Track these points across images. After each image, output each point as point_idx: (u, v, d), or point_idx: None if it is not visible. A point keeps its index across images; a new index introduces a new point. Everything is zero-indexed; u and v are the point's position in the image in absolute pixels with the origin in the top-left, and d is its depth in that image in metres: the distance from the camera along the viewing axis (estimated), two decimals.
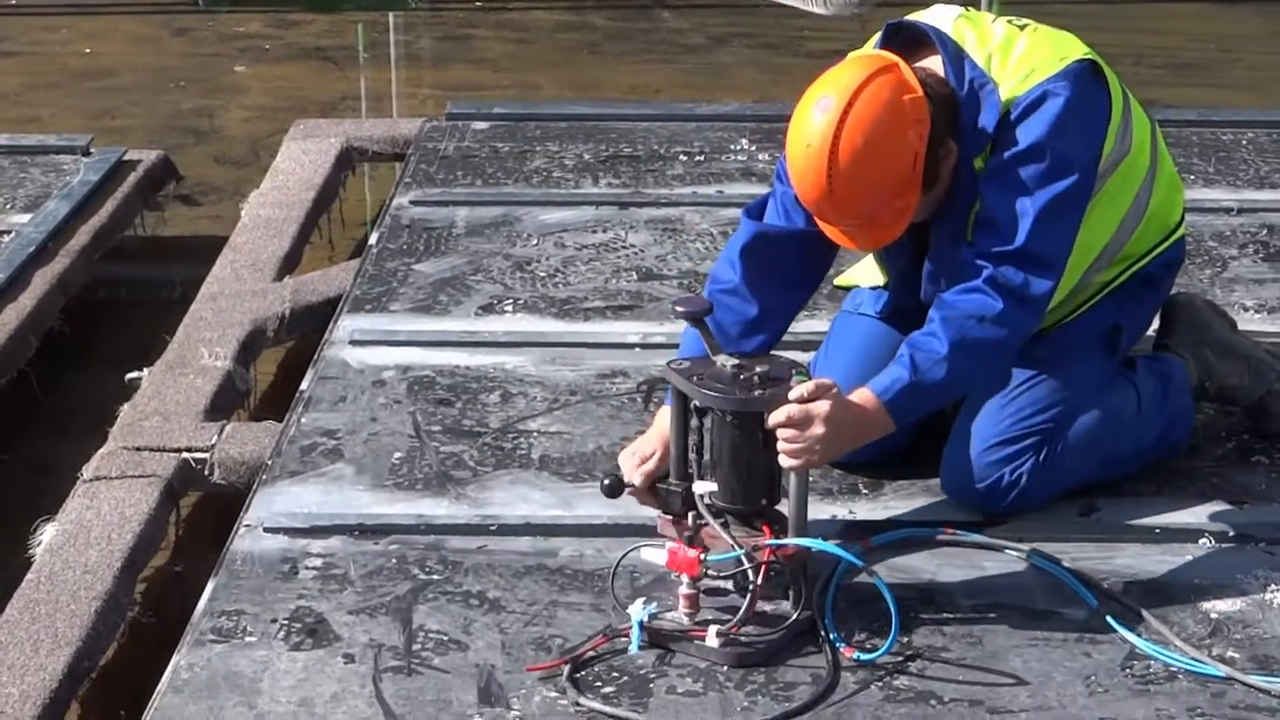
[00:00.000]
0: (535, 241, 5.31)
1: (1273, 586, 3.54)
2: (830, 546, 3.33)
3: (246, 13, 9.90)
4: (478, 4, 10.23)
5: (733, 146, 6.13)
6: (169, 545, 4.36)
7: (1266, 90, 8.47)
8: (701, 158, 6.03)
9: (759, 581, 3.28)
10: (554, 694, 3.20)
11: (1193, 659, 3.30)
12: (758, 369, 3.39)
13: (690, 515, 3.38)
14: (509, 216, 5.50)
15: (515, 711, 3.16)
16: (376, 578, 3.57)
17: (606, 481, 3.48)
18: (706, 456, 3.43)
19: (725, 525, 3.35)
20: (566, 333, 4.69)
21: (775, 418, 3.34)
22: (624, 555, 3.44)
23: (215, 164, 7.59)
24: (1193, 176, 5.77)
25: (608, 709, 3.16)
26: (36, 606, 3.75)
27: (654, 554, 3.37)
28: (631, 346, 4.61)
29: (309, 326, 5.19)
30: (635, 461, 3.55)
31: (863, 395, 3.46)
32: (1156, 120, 3.89)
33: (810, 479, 3.42)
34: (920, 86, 3.46)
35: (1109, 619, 3.42)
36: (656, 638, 3.32)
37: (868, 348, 3.88)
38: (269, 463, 4.06)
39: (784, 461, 3.35)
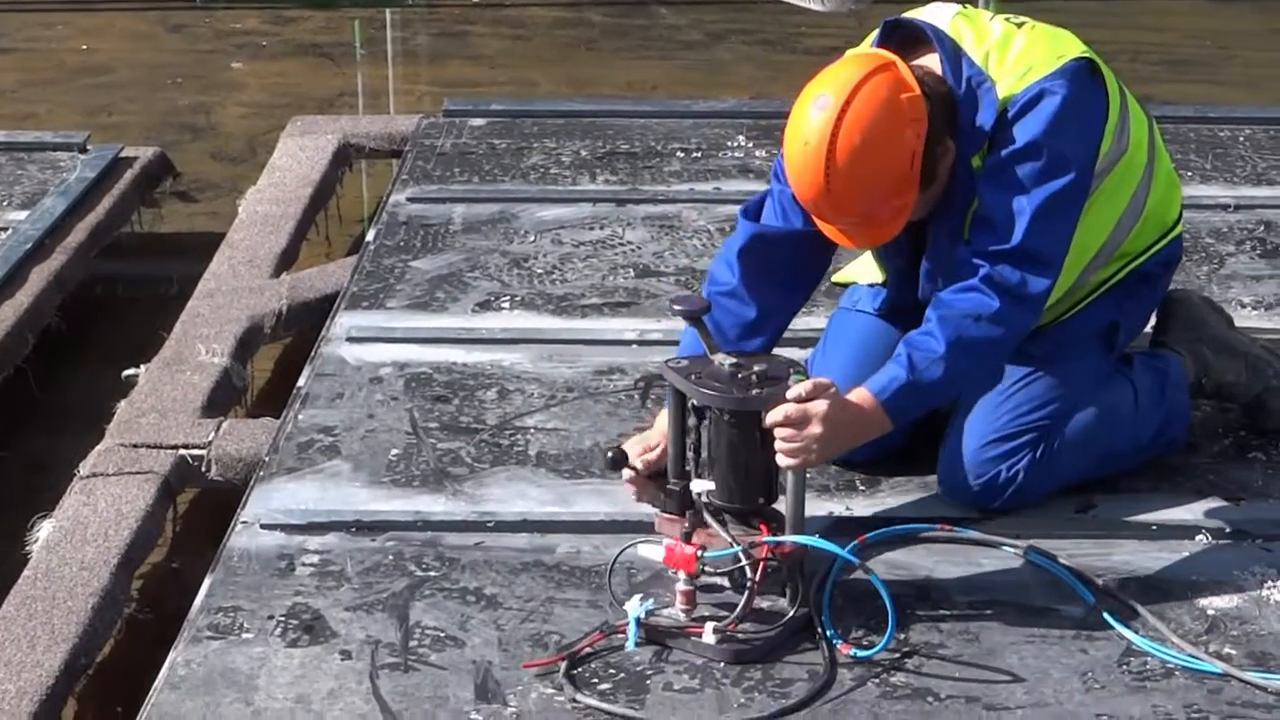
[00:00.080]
0: (532, 238, 5.31)
1: (1269, 583, 3.54)
2: (826, 543, 3.33)
3: (243, 9, 9.90)
4: (475, 0, 10.22)
5: (730, 143, 6.13)
6: (166, 542, 4.36)
7: (1263, 87, 8.47)
8: (699, 154, 6.03)
9: (756, 578, 3.29)
10: (551, 690, 3.20)
11: (1189, 655, 3.31)
12: (755, 368, 3.39)
13: (688, 513, 3.39)
14: (506, 213, 5.50)
15: (512, 708, 3.16)
16: (373, 574, 3.57)
17: (610, 454, 3.47)
18: (704, 455, 3.43)
19: (723, 524, 3.35)
20: (564, 329, 4.69)
21: (773, 417, 3.34)
22: (621, 552, 3.45)
23: (212, 161, 7.59)
24: (1190, 173, 5.78)
25: (605, 705, 3.16)
26: (33, 603, 3.74)
27: (651, 550, 3.37)
28: (629, 343, 4.61)
29: (306, 323, 5.19)
30: (639, 449, 3.54)
31: (860, 395, 3.46)
32: (1153, 117, 3.90)
33: (807, 476, 3.43)
34: (918, 85, 3.46)
35: (1106, 616, 3.43)
36: (653, 634, 3.32)
37: (865, 345, 3.88)
38: (266, 459, 4.06)
39: (781, 461, 3.35)
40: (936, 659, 3.31)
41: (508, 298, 4.88)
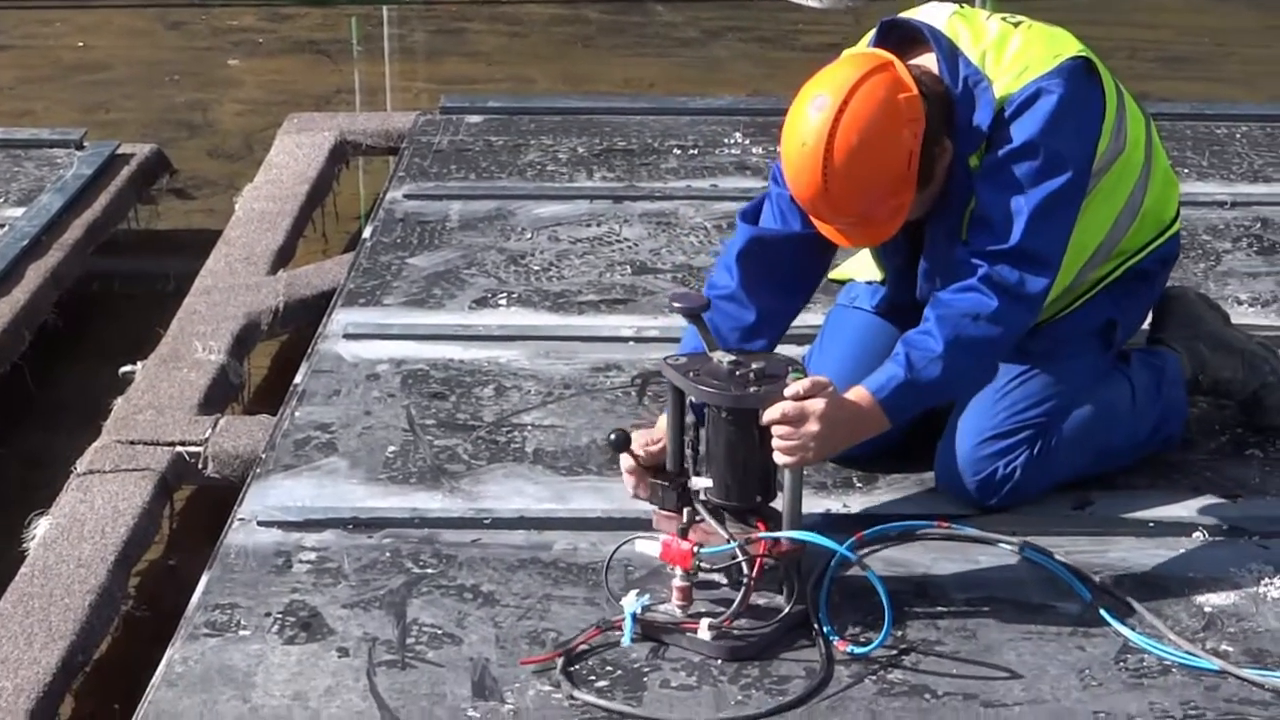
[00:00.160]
0: (529, 235, 5.30)
1: (1266, 580, 3.54)
2: (822, 540, 3.33)
3: (240, 6, 9.89)
4: None
5: (727, 140, 6.12)
6: (163, 539, 4.36)
7: (1260, 84, 8.47)
8: (695, 151, 6.02)
9: (753, 575, 3.29)
10: (548, 688, 3.20)
11: (1186, 653, 3.31)
12: (754, 366, 3.39)
13: (685, 511, 3.39)
14: (503, 210, 5.50)
15: (509, 705, 3.16)
16: (370, 571, 3.57)
17: (613, 435, 3.46)
18: (702, 452, 3.43)
19: (721, 521, 3.35)
20: (560, 326, 4.69)
21: (770, 415, 3.34)
22: (618, 547, 3.45)
23: (209, 157, 7.58)
24: (1186, 170, 5.77)
25: (602, 702, 3.16)
26: (30, 600, 3.74)
27: (648, 545, 3.37)
28: (626, 340, 4.61)
29: (303, 320, 5.18)
30: (642, 441, 3.54)
31: (858, 393, 3.46)
32: (1150, 115, 3.90)
33: (805, 474, 3.43)
34: (915, 85, 3.46)
35: (1103, 613, 3.43)
36: (649, 630, 3.32)
37: (862, 342, 3.88)
38: (263, 456, 4.06)
39: (779, 459, 3.35)
40: (934, 656, 3.31)
41: (504, 294, 4.88)
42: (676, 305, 3.44)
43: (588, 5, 10.02)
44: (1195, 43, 9.39)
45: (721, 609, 3.31)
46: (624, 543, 3.44)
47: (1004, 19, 3.69)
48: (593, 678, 3.23)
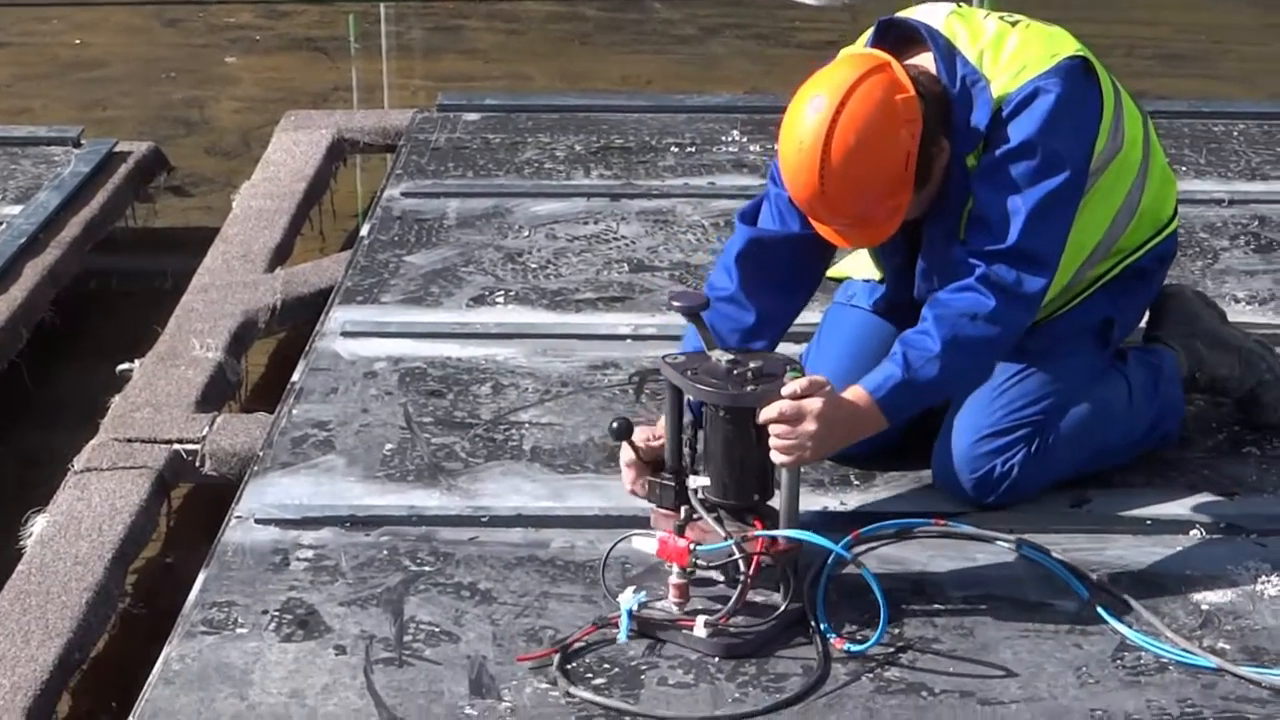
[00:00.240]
0: (526, 233, 5.30)
1: (1263, 578, 3.55)
2: (818, 538, 3.33)
3: (237, 3, 9.88)
4: None
5: (724, 138, 6.12)
6: (160, 537, 4.36)
7: (1258, 81, 8.47)
8: (693, 149, 6.02)
9: (749, 573, 3.29)
10: (545, 685, 3.20)
11: (1183, 650, 3.31)
12: (752, 365, 3.39)
13: (683, 509, 3.39)
14: (500, 208, 5.50)
15: (507, 703, 3.17)
16: (368, 569, 3.57)
17: (615, 423, 3.46)
18: (700, 450, 3.43)
19: (719, 520, 3.35)
20: (558, 324, 4.69)
21: (767, 414, 3.34)
22: (614, 545, 3.45)
23: (206, 155, 7.58)
24: (1184, 168, 5.78)
25: (599, 699, 3.16)
26: (27, 598, 3.74)
27: (645, 543, 3.37)
28: (623, 338, 4.61)
29: (300, 318, 5.18)
30: (644, 435, 3.54)
31: (855, 392, 3.46)
32: (1148, 113, 3.90)
33: (802, 472, 3.43)
34: (912, 85, 3.46)
35: (1100, 610, 3.43)
36: (645, 627, 3.32)
37: (860, 340, 3.88)
38: (260, 454, 4.06)
39: (776, 458, 3.35)
40: (930, 654, 3.31)
41: (502, 292, 4.88)
42: (676, 304, 3.45)
43: (585, 2, 10.02)
44: (1193, 40, 9.39)
45: (718, 606, 3.32)
46: (621, 539, 3.44)
47: (1001, 18, 3.69)
48: (590, 675, 3.24)
